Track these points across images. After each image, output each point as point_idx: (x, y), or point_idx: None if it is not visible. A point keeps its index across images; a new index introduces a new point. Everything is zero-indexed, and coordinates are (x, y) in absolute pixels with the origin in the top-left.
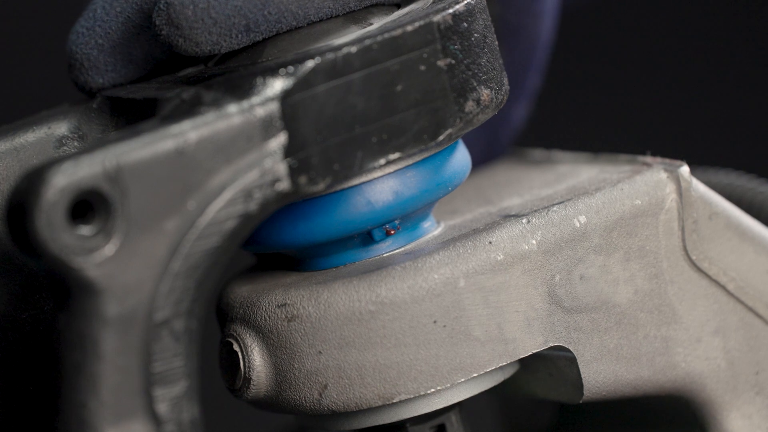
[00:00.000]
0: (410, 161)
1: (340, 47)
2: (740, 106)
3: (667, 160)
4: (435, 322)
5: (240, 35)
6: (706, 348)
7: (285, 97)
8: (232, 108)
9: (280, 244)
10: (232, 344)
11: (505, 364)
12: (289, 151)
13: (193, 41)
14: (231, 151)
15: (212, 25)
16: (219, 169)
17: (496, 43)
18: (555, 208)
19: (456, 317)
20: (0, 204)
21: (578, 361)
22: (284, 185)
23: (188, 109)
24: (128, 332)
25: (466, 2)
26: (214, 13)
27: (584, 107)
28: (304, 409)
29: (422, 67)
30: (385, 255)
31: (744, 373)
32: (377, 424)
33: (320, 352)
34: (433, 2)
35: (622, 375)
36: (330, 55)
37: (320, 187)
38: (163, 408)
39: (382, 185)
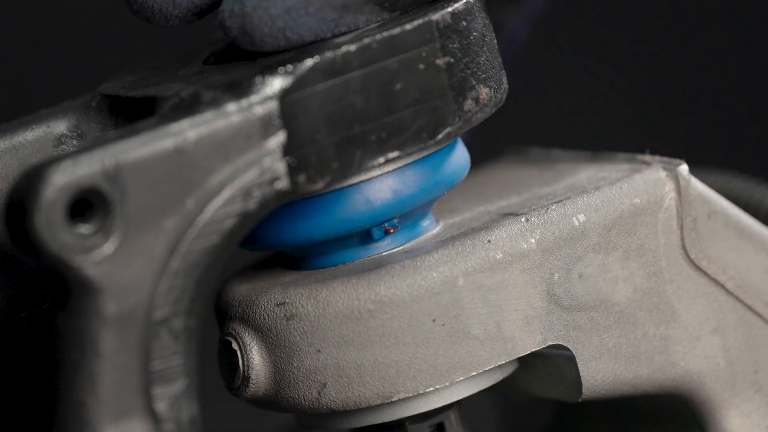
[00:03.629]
0: (409, 160)
1: (338, 46)
2: (740, 106)
3: (666, 159)
4: (434, 320)
5: (301, 46)
6: (705, 346)
7: (284, 95)
8: (231, 107)
9: (279, 243)
10: (230, 343)
11: (504, 362)
12: (288, 150)
13: (258, 48)
14: (230, 149)
15: (285, 43)
16: (218, 167)
17: (495, 41)
18: (554, 207)
19: (455, 316)
20: None
21: (577, 360)
22: (283, 184)
23: (187, 108)
24: (127, 331)
25: (464, 1)
26: (290, 33)
27: (584, 106)
28: (303, 408)
29: (421, 66)
30: (384, 254)
31: (743, 372)
32: (376, 422)
33: (319, 350)
34: (433, 1)
35: (621, 374)
36: (329, 54)
37: (319, 185)
38: (161, 406)
39: (381, 184)
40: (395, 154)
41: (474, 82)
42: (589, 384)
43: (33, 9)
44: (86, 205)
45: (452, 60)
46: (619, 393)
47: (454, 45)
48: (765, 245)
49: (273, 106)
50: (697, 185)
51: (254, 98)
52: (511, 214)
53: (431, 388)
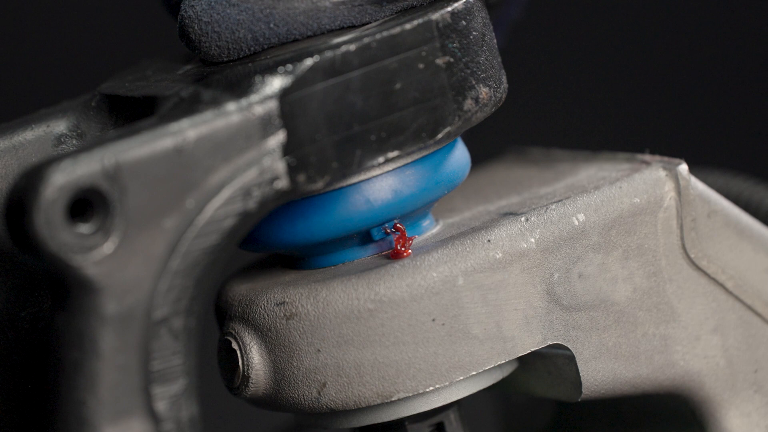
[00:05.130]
0: (409, 159)
1: (338, 45)
2: (740, 106)
3: (666, 159)
4: (434, 320)
5: (250, 47)
6: (705, 346)
7: (284, 95)
8: (231, 106)
9: (279, 243)
10: (230, 342)
11: (503, 362)
12: (287, 150)
13: (205, 53)
14: (230, 149)
15: (217, 38)
16: (218, 167)
17: (495, 41)
18: (553, 207)
19: (455, 315)
20: None
21: (577, 360)
22: (283, 183)
23: (187, 108)
24: (127, 330)
25: (464, 0)
26: (217, 28)
27: (583, 105)
28: (303, 408)
29: (421, 66)
30: (383, 253)
31: (742, 371)
32: (376, 422)
33: (319, 350)
34: (433, 1)
35: (621, 373)
36: (328, 54)
37: (319, 185)
38: (161, 406)
39: (381, 184)
40: (395, 153)
41: (474, 82)
42: (589, 383)
43: (33, 9)
44: (86, 204)
45: (452, 59)
46: (619, 392)
47: (454, 44)
48: (764, 245)
49: (273, 105)
50: (697, 185)
51: (254, 98)
52: (511, 214)
53: (431, 388)
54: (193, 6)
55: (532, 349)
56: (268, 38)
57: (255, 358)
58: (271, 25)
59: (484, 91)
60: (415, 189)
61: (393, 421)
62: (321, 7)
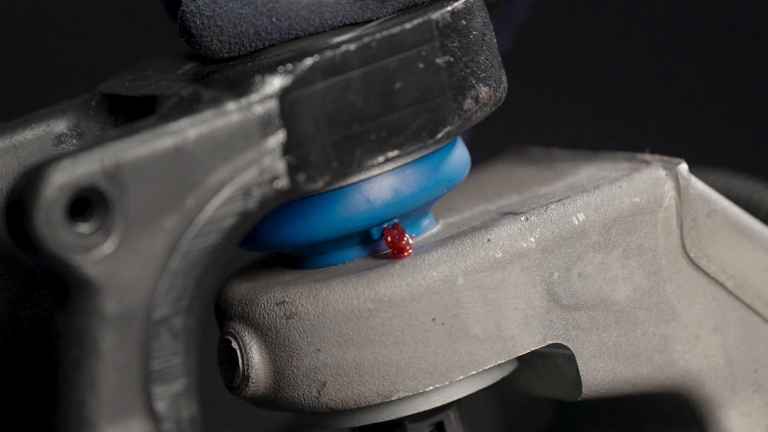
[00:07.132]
0: (409, 159)
1: (338, 45)
2: (740, 106)
3: (666, 158)
4: (433, 319)
5: (252, 41)
6: (705, 346)
7: (284, 94)
8: (231, 106)
9: (279, 242)
10: (230, 342)
11: (503, 361)
12: (287, 149)
13: (206, 48)
14: (230, 148)
15: (219, 33)
16: (218, 166)
17: (495, 40)
18: (553, 206)
19: (454, 315)
20: None
21: (577, 359)
22: (283, 183)
23: (187, 107)
24: (127, 330)
25: (464, 0)
26: (220, 22)
27: (583, 105)
28: (303, 407)
29: (421, 65)
30: (383, 252)
31: (742, 371)
32: (376, 421)
33: (319, 349)
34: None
35: (621, 373)
36: (329, 53)
37: (319, 184)
38: (161, 406)
39: (381, 183)
40: (395, 153)
41: (474, 81)
42: (589, 383)
43: (33, 9)
44: (86, 204)
45: (452, 59)
46: (619, 392)
47: (454, 44)
48: (764, 244)
49: (273, 105)
50: (697, 184)
51: (254, 97)
52: (511, 213)
53: (431, 387)
54: (194, 0)
55: (532, 349)
56: (270, 33)
57: (255, 358)
58: (274, 20)
59: (484, 91)
60: (415, 188)
61: (393, 420)
62: (323, 2)
